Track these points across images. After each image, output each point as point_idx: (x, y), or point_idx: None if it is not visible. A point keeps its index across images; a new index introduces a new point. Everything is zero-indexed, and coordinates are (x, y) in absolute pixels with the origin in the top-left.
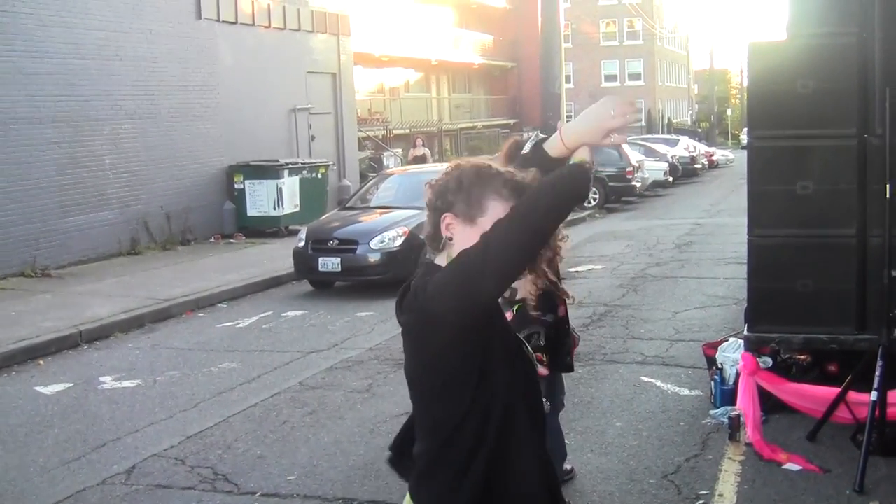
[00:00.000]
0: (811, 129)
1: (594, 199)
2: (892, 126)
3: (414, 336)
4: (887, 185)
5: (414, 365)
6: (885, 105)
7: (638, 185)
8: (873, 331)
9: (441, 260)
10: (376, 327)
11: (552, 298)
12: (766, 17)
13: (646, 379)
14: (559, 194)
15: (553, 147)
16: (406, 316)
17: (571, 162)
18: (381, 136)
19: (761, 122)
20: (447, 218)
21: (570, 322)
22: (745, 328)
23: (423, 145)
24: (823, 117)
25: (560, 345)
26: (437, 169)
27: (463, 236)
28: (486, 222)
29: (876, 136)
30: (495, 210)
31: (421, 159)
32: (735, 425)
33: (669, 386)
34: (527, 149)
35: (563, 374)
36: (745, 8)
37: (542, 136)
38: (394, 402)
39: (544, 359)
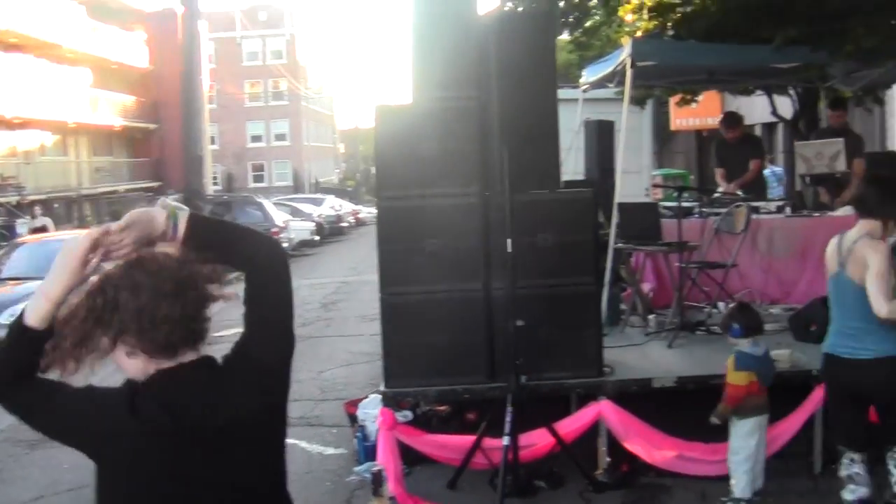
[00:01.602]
0: (437, 188)
1: None
2: (511, 184)
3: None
4: (508, 240)
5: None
6: (503, 164)
7: (284, 245)
8: (503, 379)
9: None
10: None
11: None
12: (405, 79)
13: (290, 441)
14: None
15: (36, 311)
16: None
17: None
18: (14, 203)
19: (389, 183)
20: None
21: None
22: (383, 384)
23: (43, 215)
24: (448, 177)
25: None
26: (74, 234)
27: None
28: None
29: (497, 194)
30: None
31: (41, 230)
32: (378, 480)
33: (315, 446)
34: None
35: None
36: (387, 70)
37: (180, 208)
38: (25, 487)
39: None
